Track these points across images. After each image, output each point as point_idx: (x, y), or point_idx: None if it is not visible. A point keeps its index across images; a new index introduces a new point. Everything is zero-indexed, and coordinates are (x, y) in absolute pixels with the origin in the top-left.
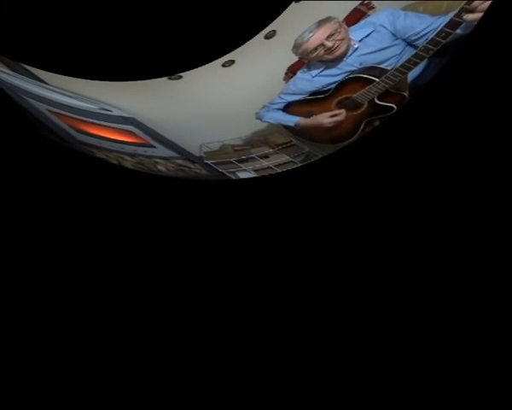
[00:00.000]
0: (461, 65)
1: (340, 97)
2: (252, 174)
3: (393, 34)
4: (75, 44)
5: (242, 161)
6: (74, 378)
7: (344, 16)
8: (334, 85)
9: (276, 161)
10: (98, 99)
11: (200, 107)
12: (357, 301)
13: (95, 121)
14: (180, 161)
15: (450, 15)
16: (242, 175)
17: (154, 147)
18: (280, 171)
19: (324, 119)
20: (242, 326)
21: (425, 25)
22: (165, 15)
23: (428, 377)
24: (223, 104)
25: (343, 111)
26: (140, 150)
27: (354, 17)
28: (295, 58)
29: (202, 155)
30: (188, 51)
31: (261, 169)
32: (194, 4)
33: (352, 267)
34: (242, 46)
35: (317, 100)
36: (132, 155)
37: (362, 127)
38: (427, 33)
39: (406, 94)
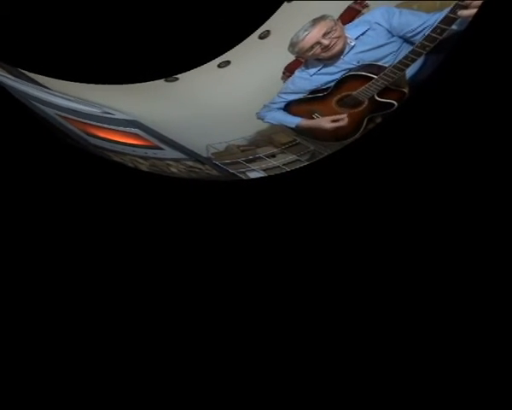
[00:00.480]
0: (459, 60)
1: (339, 95)
2: (261, 174)
3: (389, 31)
4: (66, 48)
5: (250, 161)
6: (73, 374)
7: (338, 15)
8: (332, 84)
9: (283, 160)
10: (99, 102)
11: (199, 108)
12: (375, 298)
13: (101, 125)
14: (190, 163)
15: (445, 12)
16: (252, 175)
17: (162, 149)
18: (288, 170)
19: (326, 123)
20: (255, 325)
21: (420, 21)
22: (157, 17)
23: (428, 377)
24: (222, 105)
25: (344, 116)
26: (150, 153)
27: (348, 15)
28: (292, 57)
29: (210, 155)
30: (180, 53)
31: (270, 168)
32: (185, 6)
33: (364, 264)
34: (237, 47)
35: (318, 98)
36: (145, 158)
37: (364, 124)
38: (423, 30)
39: (406, 90)
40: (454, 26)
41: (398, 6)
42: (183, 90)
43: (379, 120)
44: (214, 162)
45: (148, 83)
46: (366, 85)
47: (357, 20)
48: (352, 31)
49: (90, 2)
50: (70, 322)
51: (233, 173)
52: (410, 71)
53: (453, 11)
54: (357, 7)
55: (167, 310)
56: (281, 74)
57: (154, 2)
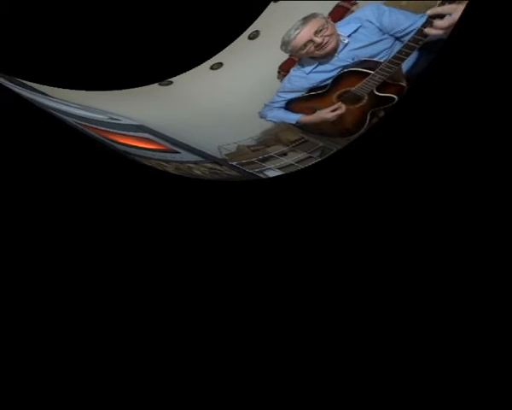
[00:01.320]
0: (456, 52)
1: (338, 92)
2: (278, 172)
3: (380, 30)
4: (47, 56)
5: (264, 161)
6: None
7: (327, 13)
8: (330, 81)
9: (296, 158)
10: (102, 109)
11: (200, 110)
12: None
13: (114, 131)
14: (209, 165)
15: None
16: (270, 174)
17: (178, 152)
18: (302, 167)
19: (326, 114)
20: (270, 325)
21: (409, 22)
22: (139, 21)
23: (428, 377)
24: (222, 106)
25: (342, 105)
26: (169, 156)
27: (338, 13)
28: (285, 56)
29: (224, 157)
30: (168, 56)
31: (285, 166)
32: (167, 8)
33: (378, 259)
34: (227, 48)
35: (317, 96)
36: (167, 161)
37: (368, 119)
38: (411, 31)
39: (404, 84)
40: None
41: (386, 3)
42: (180, 94)
43: (382, 114)
44: (230, 163)
45: (142, 87)
46: (364, 81)
47: (347, 18)
48: (343, 28)
49: (70, 9)
50: (82, 320)
51: (251, 173)
52: (405, 65)
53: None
54: (346, 5)
55: (194, 310)
56: (276, 73)
57: (134, 6)
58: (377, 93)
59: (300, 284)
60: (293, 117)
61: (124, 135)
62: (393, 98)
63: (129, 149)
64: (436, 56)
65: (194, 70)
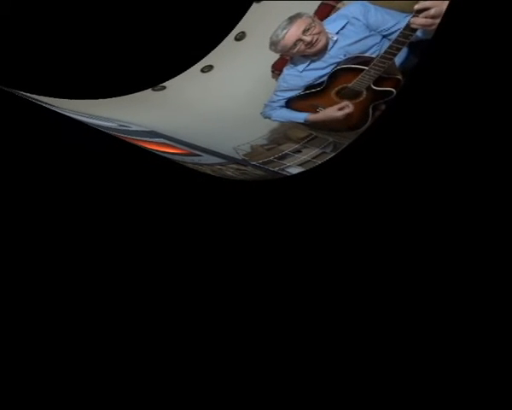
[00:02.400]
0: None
1: (336, 88)
2: (299, 169)
3: (367, 27)
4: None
5: (281, 158)
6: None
7: (312, 12)
8: (325, 78)
9: (311, 154)
10: (109, 117)
11: (202, 114)
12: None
13: (134, 137)
14: (235, 166)
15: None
16: (292, 171)
17: (200, 155)
18: (320, 162)
19: (334, 112)
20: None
21: (395, 21)
22: (125, 23)
23: (429, 377)
24: (220, 109)
25: (349, 104)
26: (196, 159)
27: (324, 11)
28: (276, 56)
29: (243, 157)
30: (154, 60)
31: (304, 163)
32: (147, 11)
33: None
34: (214, 50)
35: (316, 93)
36: (200, 164)
37: (371, 113)
38: (397, 29)
39: (400, 77)
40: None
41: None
42: (177, 98)
43: (383, 107)
44: (253, 163)
45: (135, 94)
46: (359, 77)
47: (334, 15)
48: (330, 26)
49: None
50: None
51: (275, 172)
52: (398, 59)
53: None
54: (332, 2)
55: (226, 306)
56: (270, 73)
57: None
58: (375, 87)
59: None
60: (300, 116)
61: (143, 141)
62: (392, 92)
63: (160, 154)
64: (428, 51)
65: (185, 74)
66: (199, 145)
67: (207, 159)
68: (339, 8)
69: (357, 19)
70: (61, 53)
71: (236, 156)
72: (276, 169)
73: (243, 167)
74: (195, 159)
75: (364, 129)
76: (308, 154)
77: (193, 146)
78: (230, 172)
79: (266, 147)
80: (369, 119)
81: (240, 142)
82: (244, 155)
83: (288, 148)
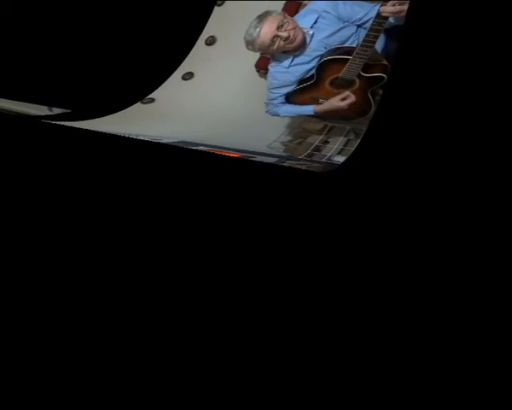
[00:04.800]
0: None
1: (328, 79)
2: (341, 157)
3: (339, 18)
4: None
5: (318, 150)
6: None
7: (280, 9)
8: (314, 71)
9: (339, 142)
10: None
11: (211, 118)
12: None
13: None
14: (293, 162)
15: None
16: (337, 160)
17: (254, 157)
18: (353, 149)
19: (338, 102)
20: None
21: (364, 11)
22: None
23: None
24: (222, 111)
25: (350, 93)
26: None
27: (292, 8)
28: (256, 55)
29: (286, 153)
30: (127, 74)
31: (341, 151)
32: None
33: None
34: (188, 57)
35: (310, 86)
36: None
37: (371, 98)
38: (369, 19)
39: (385, 62)
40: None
41: None
42: (171, 109)
43: (380, 92)
44: (299, 157)
45: (126, 109)
46: (347, 66)
47: (303, 11)
48: (302, 21)
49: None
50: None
51: (328, 163)
52: (379, 46)
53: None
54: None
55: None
56: (255, 73)
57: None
58: (365, 74)
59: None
60: (307, 109)
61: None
62: (382, 76)
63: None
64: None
65: (167, 83)
66: (236, 148)
67: (263, 159)
68: (306, 4)
69: (327, 12)
70: None
71: (280, 153)
72: (324, 160)
73: (308, 163)
74: (258, 158)
75: (372, 114)
76: (337, 143)
77: (231, 149)
78: (305, 167)
79: (295, 142)
80: (372, 103)
81: (267, 141)
82: (283, 151)
83: (314, 140)
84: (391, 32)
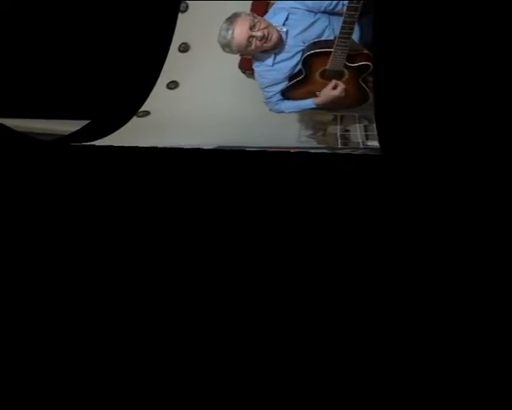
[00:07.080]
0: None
1: (317, 72)
2: (373, 142)
3: (310, 11)
4: None
5: (344, 138)
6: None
7: (246, 10)
8: (300, 66)
9: (359, 129)
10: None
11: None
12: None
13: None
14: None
15: None
16: (371, 144)
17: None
18: (375, 133)
19: (331, 91)
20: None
21: None
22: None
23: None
24: (216, 114)
25: (337, 81)
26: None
27: (260, 8)
28: (235, 56)
29: (319, 145)
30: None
31: (368, 136)
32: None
33: None
34: (165, 66)
35: (302, 80)
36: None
37: (364, 85)
38: (338, 2)
39: (366, 51)
40: None
41: None
42: (171, 119)
43: (370, 79)
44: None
45: (126, 125)
46: (331, 58)
47: (271, 10)
48: (273, 19)
49: None
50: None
51: (364, 148)
52: (355, 36)
53: None
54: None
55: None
56: (241, 74)
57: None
58: (351, 64)
59: None
60: (308, 102)
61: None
62: (368, 65)
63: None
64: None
65: (154, 94)
66: (275, 145)
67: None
68: (273, 4)
69: (295, 8)
70: None
71: (316, 145)
72: (362, 146)
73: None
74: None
75: (371, 100)
76: (358, 130)
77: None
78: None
79: (319, 134)
80: (367, 90)
81: (289, 136)
82: (316, 143)
83: (334, 130)
84: (364, 23)
